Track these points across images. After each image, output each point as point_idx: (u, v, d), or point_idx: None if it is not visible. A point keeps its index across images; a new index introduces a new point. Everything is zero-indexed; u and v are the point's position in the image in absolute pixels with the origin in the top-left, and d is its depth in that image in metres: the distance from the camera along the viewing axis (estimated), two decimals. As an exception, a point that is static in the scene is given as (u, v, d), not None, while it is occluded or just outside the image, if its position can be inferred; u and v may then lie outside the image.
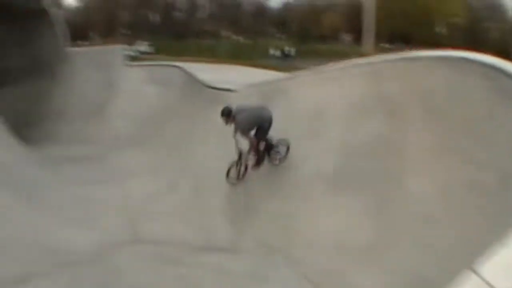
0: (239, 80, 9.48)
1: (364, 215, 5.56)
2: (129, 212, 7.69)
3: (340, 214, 5.82)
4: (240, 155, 7.93)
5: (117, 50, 14.03)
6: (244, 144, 7.56)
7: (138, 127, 10.36)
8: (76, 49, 14.77)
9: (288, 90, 7.68)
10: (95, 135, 10.69)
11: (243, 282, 5.34)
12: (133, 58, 17.43)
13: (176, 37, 51.55)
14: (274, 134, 7.44)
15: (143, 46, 40.14)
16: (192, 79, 10.56)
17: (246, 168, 8.08)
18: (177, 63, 12.87)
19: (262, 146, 7.66)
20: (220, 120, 7.42)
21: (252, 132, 7.40)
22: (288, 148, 7.77)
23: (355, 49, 33.94)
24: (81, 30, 46.01)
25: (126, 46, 14.77)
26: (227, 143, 7.78)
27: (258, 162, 7.82)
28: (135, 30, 53.62)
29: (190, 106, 9.98)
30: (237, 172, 8.10)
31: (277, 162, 7.80)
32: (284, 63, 28.24)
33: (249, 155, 7.70)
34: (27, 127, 11.07)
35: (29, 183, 8.34)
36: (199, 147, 8.73)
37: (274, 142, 7.72)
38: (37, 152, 9.64)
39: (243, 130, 7.26)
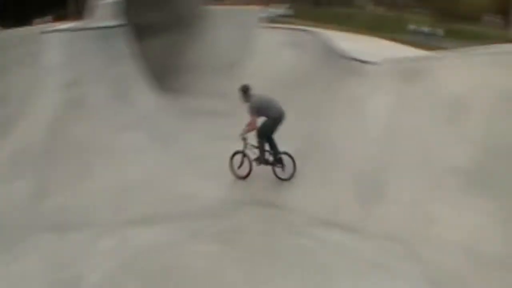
0: (378, 53, 8.82)
1: (503, 220, 4.99)
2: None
3: (474, 215, 5.20)
4: (245, 145, 7.90)
5: (255, 12, 14.10)
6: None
7: (268, 87, 10.33)
8: (215, 7, 15.18)
9: (431, 71, 6.93)
10: (227, 91, 10.87)
11: (363, 265, 5.07)
12: (271, 21, 17.42)
13: (314, 3, 51.28)
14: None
15: (281, 9, 40.66)
16: (329, 47, 10.13)
17: (250, 164, 7.96)
18: (314, 29, 12.50)
19: (266, 145, 7.82)
20: (353, 93, 7.00)
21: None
22: (294, 164, 7.69)
23: (502, 33, 30.35)
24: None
25: (264, 8, 14.71)
26: (358, 118, 7.32)
27: (259, 158, 7.90)
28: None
29: (325, 74, 9.65)
30: (240, 164, 8.00)
31: (283, 176, 7.75)
32: (425, 41, 26.33)
33: (244, 132, 7.64)
34: (164, 78, 11.81)
35: (165, 131, 8.96)
36: (327, 117, 8.40)
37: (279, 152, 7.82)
38: (172, 102, 10.23)
39: (252, 109, 7.53)
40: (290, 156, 7.75)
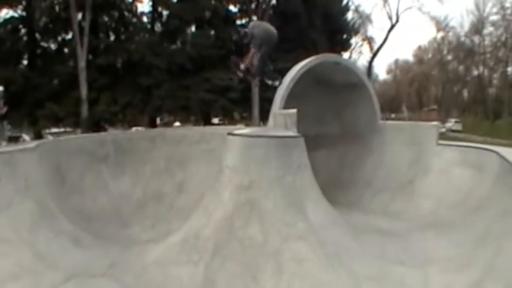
0: None
1: None
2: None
3: None
4: None
5: (430, 127, 13.79)
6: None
7: (444, 209, 9.68)
8: (388, 122, 15.28)
9: None
10: (400, 211, 10.55)
11: None
12: (442, 136, 16.83)
13: (486, 115, 48.58)
14: None
15: (450, 123, 39.25)
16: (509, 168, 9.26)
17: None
18: (491, 147, 11.67)
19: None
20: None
21: None
22: None
23: None
24: (391, 102, 48.46)
25: (438, 123, 14.37)
26: None
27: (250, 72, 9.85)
28: (443, 105, 53.09)
29: (508, 197, 8.77)
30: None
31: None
32: None
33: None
34: (335, 190, 11.86)
35: (333, 246, 8.78)
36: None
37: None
38: (342, 217, 10.14)
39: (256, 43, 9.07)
40: None
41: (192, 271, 8.09)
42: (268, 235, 8.48)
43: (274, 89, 13.08)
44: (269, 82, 12.79)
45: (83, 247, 9.64)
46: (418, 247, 8.99)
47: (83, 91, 29.71)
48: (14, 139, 29.91)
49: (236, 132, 11.40)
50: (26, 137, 32.78)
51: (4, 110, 29.11)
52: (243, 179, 9.61)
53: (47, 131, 33.90)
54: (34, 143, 14.27)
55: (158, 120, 35.17)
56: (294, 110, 10.89)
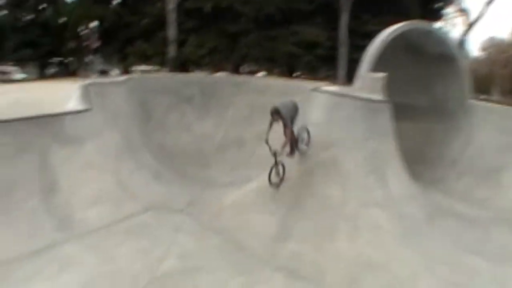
0: None
1: None
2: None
3: None
4: (275, 158, 8.82)
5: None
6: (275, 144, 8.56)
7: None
8: (479, 102, 14.33)
9: None
10: (484, 199, 10.03)
11: None
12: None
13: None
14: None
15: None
16: None
17: (284, 169, 9.11)
18: None
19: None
20: None
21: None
22: (308, 133, 9.61)
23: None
24: (481, 82, 45.40)
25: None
26: None
27: (292, 150, 9.22)
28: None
29: None
30: (277, 173, 9.01)
31: (304, 147, 9.55)
32: None
33: (284, 149, 8.66)
34: (417, 165, 11.44)
35: (409, 220, 8.55)
36: None
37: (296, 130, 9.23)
38: (423, 194, 9.81)
39: (287, 121, 8.72)
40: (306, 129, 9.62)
41: (268, 221, 8.33)
42: (346, 197, 8.46)
43: (363, 50, 12.61)
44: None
45: (163, 182, 10.17)
46: (500, 240, 8.57)
47: (171, 32, 30.38)
48: (104, 73, 31.51)
49: (322, 89, 11.27)
50: (114, 72, 34.43)
51: (98, 44, 30.53)
52: (326, 137, 9.62)
53: (135, 68, 35.24)
54: (123, 78, 14.97)
55: (242, 69, 35.25)
56: (383, 74, 10.48)
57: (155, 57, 32.51)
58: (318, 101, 10.53)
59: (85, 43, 31.34)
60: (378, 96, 9.97)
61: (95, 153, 9.42)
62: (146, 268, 7.01)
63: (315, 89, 11.20)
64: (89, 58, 32.28)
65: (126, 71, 33.16)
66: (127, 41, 33.60)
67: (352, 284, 6.82)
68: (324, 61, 30.97)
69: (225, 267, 7.15)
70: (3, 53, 33.98)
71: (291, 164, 9.33)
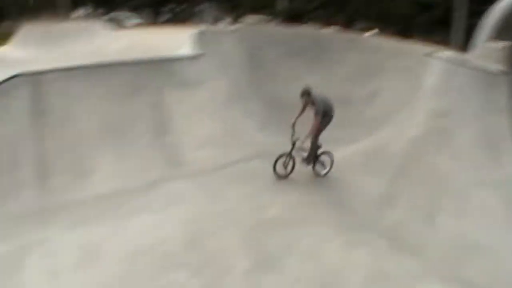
0: None
1: None
2: None
3: None
4: (293, 147, 8.29)
5: None
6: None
7: None
8: None
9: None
10: None
11: None
12: None
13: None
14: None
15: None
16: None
17: (294, 164, 8.44)
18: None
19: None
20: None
21: None
22: (332, 162, 8.66)
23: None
24: None
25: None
26: None
27: (309, 159, 8.45)
28: None
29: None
30: (285, 165, 8.43)
31: (322, 173, 8.67)
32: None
33: (307, 139, 8.10)
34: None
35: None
36: None
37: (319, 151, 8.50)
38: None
39: (319, 109, 8.06)
40: (329, 154, 8.67)
41: (374, 183, 8.04)
42: (456, 172, 7.86)
43: (481, 15, 11.43)
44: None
45: (271, 131, 10.26)
46: None
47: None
48: (214, 22, 32.21)
49: (437, 54, 10.53)
50: (225, 21, 34.99)
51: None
52: (440, 106, 8.91)
53: (245, 18, 35.52)
54: (235, 27, 15.15)
55: (352, 25, 33.97)
56: (506, 44, 9.44)
57: (266, 8, 32.34)
58: (432, 67, 9.80)
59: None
60: (498, 67, 9.05)
61: (206, 98, 9.75)
62: (251, 214, 7.22)
63: (429, 54, 10.43)
64: (200, 6, 33.04)
65: (236, 21, 33.53)
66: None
67: (455, 264, 6.34)
68: (439, 25, 28.63)
69: (327, 224, 7.09)
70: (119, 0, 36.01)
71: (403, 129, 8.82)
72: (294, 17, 29.99)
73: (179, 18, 36.82)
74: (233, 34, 12.76)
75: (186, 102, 9.52)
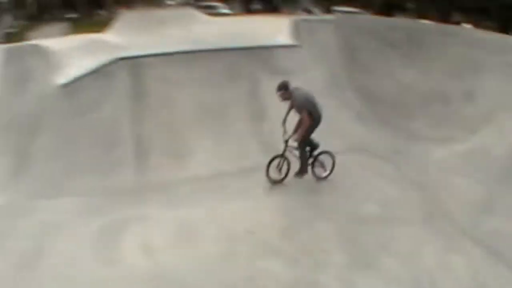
0: None
1: None
2: None
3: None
4: (285, 147, 7.69)
5: None
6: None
7: None
8: None
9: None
10: None
11: None
12: None
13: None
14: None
15: None
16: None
17: (288, 166, 7.82)
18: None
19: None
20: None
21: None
22: (334, 162, 7.97)
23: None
24: None
25: None
26: None
27: (302, 170, 7.80)
28: None
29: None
30: (279, 168, 7.83)
31: (323, 175, 8.01)
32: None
33: (294, 136, 7.46)
34: None
35: None
36: None
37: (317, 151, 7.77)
38: None
39: (300, 104, 7.33)
40: (330, 154, 7.98)
41: (473, 188, 7.60)
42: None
43: None
44: None
45: (366, 125, 10.02)
46: None
47: (376, -27, 29.30)
48: (307, 11, 32.10)
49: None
50: (316, 11, 34.70)
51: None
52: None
53: (337, 8, 35.01)
54: (331, 16, 14.87)
55: (448, 18, 32.17)
56: None
57: (358, -2, 31.79)
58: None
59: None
60: None
61: (303, 87, 9.67)
62: (347, 209, 7.12)
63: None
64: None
65: (328, 10, 33.10)
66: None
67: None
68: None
69: (423, 226, 6.88)
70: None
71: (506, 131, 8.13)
72: (388, 8, 29.04)
73: (270, 7, 37.17)
74: (330, 24, 12.53)
75: (282, 90, 9.47)
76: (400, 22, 17.38)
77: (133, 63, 9.86)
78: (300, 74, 9.96)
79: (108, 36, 16.43)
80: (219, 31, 12.93)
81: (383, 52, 12.96)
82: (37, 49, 11.01)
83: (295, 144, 7.59)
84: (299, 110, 7.48)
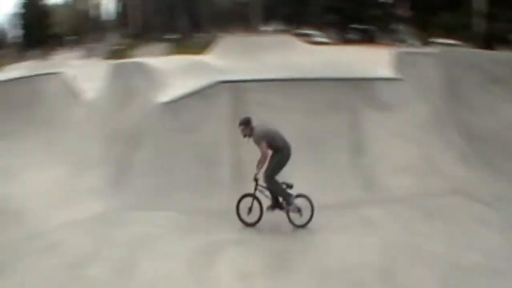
0: None
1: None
2: None
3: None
4: (256, 186, 7.38)
5: None
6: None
7: None
8: None
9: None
10: None
11: None
12: None
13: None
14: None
15: None
16: None
17: (261, 208, 7.38)
18: None
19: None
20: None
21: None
22: (312, 208, 7.29)
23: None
24: None
25: None
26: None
27: (274, 204, 7.40)
28: None
29: None
30: (250, 209, 7.35)
31: (298, 223, 7.30)
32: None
33: (257, 170, 7.19)
34: None
35: None
36: None
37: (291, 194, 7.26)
38: None
39: (257, 138, 7.12)
40: (307, 198, 7.31)
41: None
42: None
43: None
44: None
45: (470, 166, 9.45)
46: None
47: (478, 3, 28.02)
48: (405, 42, 31.49)
49: None
50: (414, 42, 33.86)
51: (408, 13, 30.48)
52: None
53: (435, 40, 34.03)
54: (433, 49, 14.39)
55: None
56: None
57: (458, 29, 30.49)
58: None
59: (392, 11, 31.68)
60: None
61: (404, 122, 9.46)
62: (447, 256, 6.66)
63: None
64: (393, 26, 32.51)
65: (426, 42, 32.22)
66: (430, 11, 32.44)
67: None
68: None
69: None
70: (308, 17, 37.40)
71: None
72: (489, 40, 27.61)
73: (367, 37, 36.93)
74: (432, 57, 12.15)
75: (383, 125, 9.38)
76: (503, 55, 16.42)
77: (233, 87, 10.15)
78: (402, 108, 9.73)
79: (209, 58, 17.15)
80: (318, 59, 13.03)
81: (486, 87, 12.33)
82: (142, 66, 11.80)
83: (264, 183, 7.35)
84: (258, 143, 7.25)
